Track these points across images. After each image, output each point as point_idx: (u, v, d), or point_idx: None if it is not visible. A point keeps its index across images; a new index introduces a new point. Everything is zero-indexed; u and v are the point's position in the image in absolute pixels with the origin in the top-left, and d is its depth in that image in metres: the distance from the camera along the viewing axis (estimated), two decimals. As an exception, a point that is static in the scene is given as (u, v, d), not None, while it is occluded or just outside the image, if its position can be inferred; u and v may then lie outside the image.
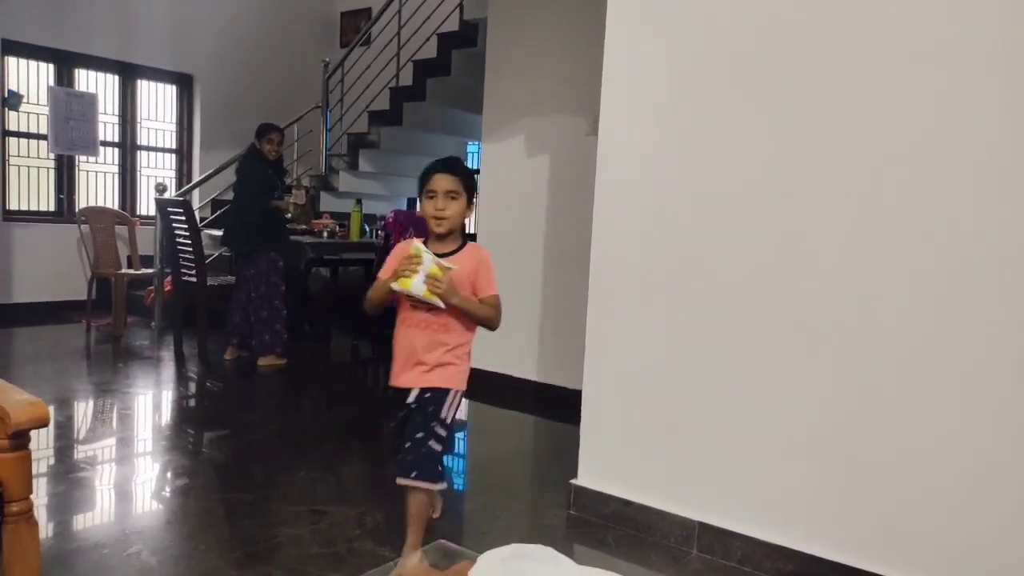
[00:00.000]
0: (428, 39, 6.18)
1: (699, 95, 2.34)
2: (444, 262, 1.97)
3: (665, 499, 2.43)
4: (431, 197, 2.02)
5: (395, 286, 1.97)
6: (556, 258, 4.02)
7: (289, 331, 4.77)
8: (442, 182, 2.02)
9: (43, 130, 6.07)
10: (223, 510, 2.58)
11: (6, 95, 5.84)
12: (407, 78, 6.42)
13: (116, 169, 6.67)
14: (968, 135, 1.92)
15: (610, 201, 2.55)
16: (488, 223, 4.34)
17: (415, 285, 1.94)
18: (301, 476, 2.89)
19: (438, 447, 2.03)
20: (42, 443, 3.07)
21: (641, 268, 2.48)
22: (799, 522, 2.18)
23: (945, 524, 1.96)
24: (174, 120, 7.03)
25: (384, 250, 4.80)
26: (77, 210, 6.13)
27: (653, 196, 2.45)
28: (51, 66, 6.12)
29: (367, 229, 5.67)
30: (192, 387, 4.46)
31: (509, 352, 4.21)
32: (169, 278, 5.48)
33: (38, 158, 6.15)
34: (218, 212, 5.90)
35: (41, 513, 2.34)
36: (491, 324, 2.08)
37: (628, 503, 2.49)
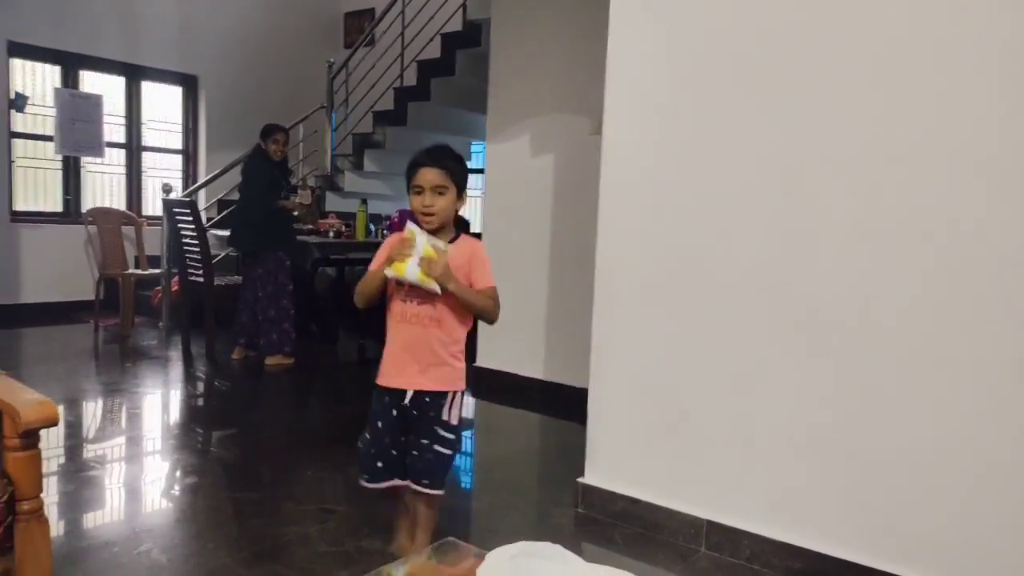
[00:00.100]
0: (432, 39, 6.18)
1: (702, 95, 2.34)
2: (439, 242, 1.90)
3: (673, 497, 2.43)
4: (418, 192, 1.93)
5: (389, 272, 1.89)
6: (561, 257, 4.02)
7: (296, 330, 4.78)
8: (428, 176, 1.92)
9: (49, 131, 6.09)
10: (231, 509, 2.59)
11: (12, 97, 5.86)
12: (411, 78, 6.42)
13: (122, 170, 6.69)
14: (968, 135, 1.91)
15: (614, 200, 2.55)
16: (493, 222, 4.35)
17: (409, 269, 1.86)
18: (309, 475, 2.90)
19: (446, 451, 1.99)
20: (52, 442, 3.09)
21: (646, 266, 2.48)
22: (807, 520, 2.18)
23: (950, 521, 1.96)
24: (179, 121, 7.05)
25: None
26: (84, 211, 6.15)
27: (657, 195, 2.45)
28: (57, 68, 6.15)
29: (372, 229, 5.68)
30: (200, 386, 4.47)
31: (516, 351, 4.21)
32: (176, 278, 5.49)
33: (44, 159, 6.18)
34: (224, 212, 5.91)
35: (52, 511, 2.36)
36: (490, 316, 1.98)
37: (636, 501, 2.49)
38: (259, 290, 4.67)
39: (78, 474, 2.82)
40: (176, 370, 4.71)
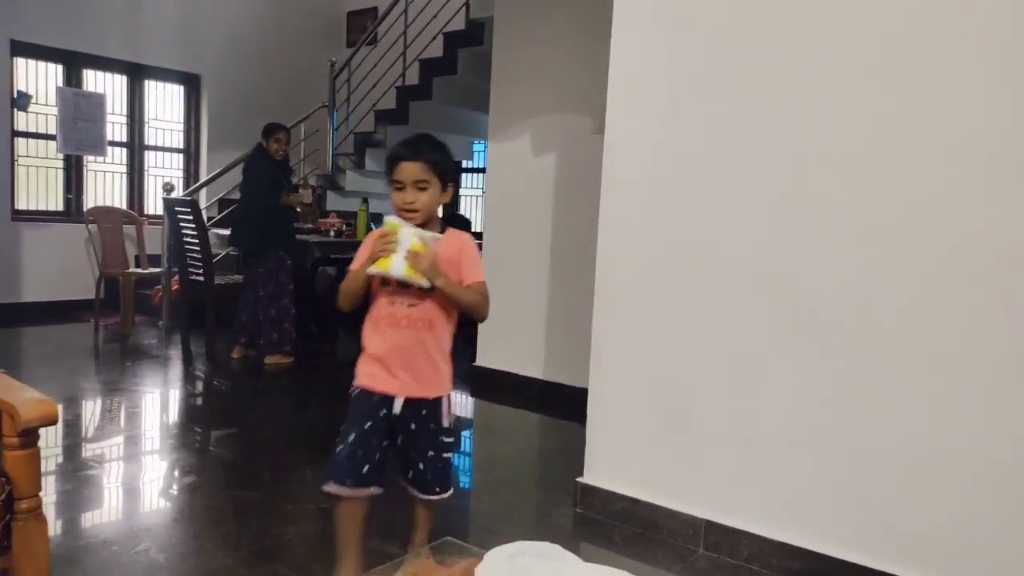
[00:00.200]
0: (434, 38, 6.18)
1: (704, 94, 2.34)
2: (425, 233, 1.77)
3: (672, 497, 2.42)
4: (398, 188, 1.82)
5: (372, 270, 1.78)
6: (562, 256, 4.02)
7: (296, 330, 4.78)
8: (409, 171, 1.80)
9: (52, 130, 6.10)
10: (230, 508, 2.59)
11: (15, 96, 5.87)
12: (413, 77, 6.42)
13: (124, 169, 6.70)
14: (968, 135, 1.91)
15: (616, 200, 2.54)
16: (495, 221, 4.35)
17: (395, 265, 1.74)
18: (308, 474, 2.89)
19: (448, 454, 1.96)
20: (51, 441, 3.09)
21: (647, 266, 2.47)
22: (806, 520, 2.17)
23: (950, 521, 1.95)
24: (181, 120, 7.05)
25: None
26: (85, 210, 6.16)
27: (658, 195, 2.45)
28: (59, 67, 6.15)
29: (373, 228, 5.68)
30: (200, 386, 4.47)
31: (515, 350, 4.21)
32: (177, 277, 5.50)
33: (47, 158, 6.19)
34: (225, 211, 5.92)
35: (50, 510, 2.36)
36: (479, 312, 1.87)
37: (635, 501, 2.49)
38: (260, 289, 4.67)
39: (77, 473, 2.82)
40: (176, 369, 4.71)
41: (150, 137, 6.84)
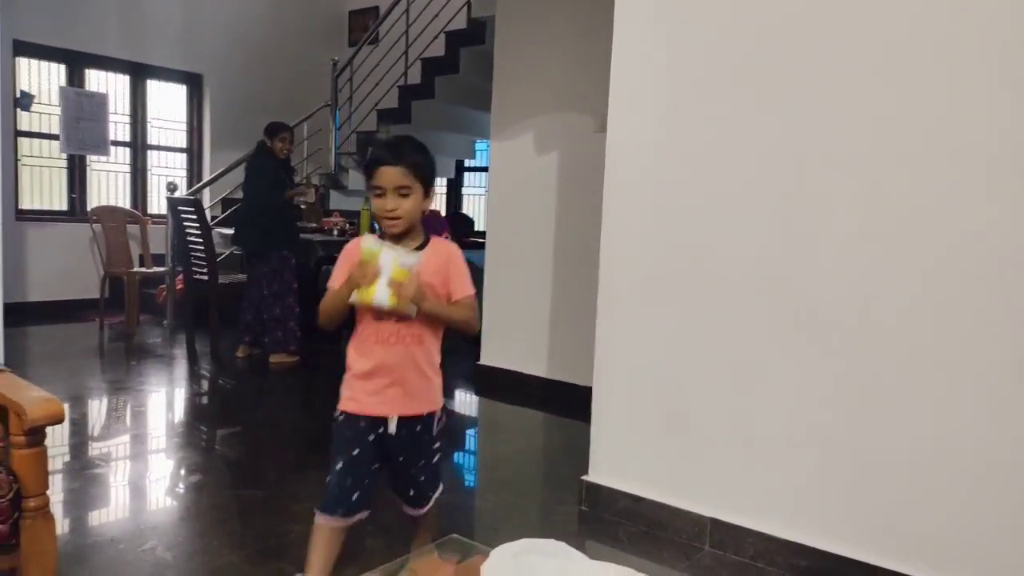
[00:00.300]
0: (436, 37, 6.18)
1: (705, 94, 2.34)
2: (407, 256, 1.66)
3: (677, 495, 2.43)
4: (379, 194, 1.71)
5: (354, 300, 1.67)
6: (565, 255, 4.02)
7: (301, 329, 4.79)
8: (389, 176, 1.69)
9: (55, 130, 6.11)
10: (236, 506, 2.59)
11: (18, 96, 5.88)
12: (415, 76, 6.42)
13: (127, 168, 6.71)
14: (969, 135, 1.91)
15: (619, 199, 2.55)
16: (498, 220, 4.35)
17: (378, 297, 1.62)
18: (313, 473, 2.90)
19: (439, 456, 1.90)
20: (57, 440, 3.10)
21: (649, 265, 2.48)
22: (810, 518, 2.18)
23: (952, 520, 1.95)
24: (184, 119, 7.06)
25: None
26: (89, 209, 6.17)
27: (660, 194, 2.45)
28: (62, 66, 6.16)
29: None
30: (204, 385, 4.48)
31: (519, 349, 4.22)
32: (181, 276, 5.51)
33: (50, 158, 6.20)
34: (229, 211, 5.93)
35: (57, 509, 2.37)
36: (469, 328, 1.79)
37: (639, 499, 2.49)
38: (264, 288, 4.68)
39: (83, 471, 2.83)
40: (180, 368, 4.72)
41: (153, 137, 6.85)
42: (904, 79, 2.00)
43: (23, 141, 6.00)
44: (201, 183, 6.42)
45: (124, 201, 6.64)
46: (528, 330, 4.16)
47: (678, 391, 2.42)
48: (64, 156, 6.24)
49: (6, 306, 3.16)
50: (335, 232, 5.46)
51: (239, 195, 5.23)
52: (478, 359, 4.43)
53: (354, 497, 1.76)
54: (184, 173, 7.07)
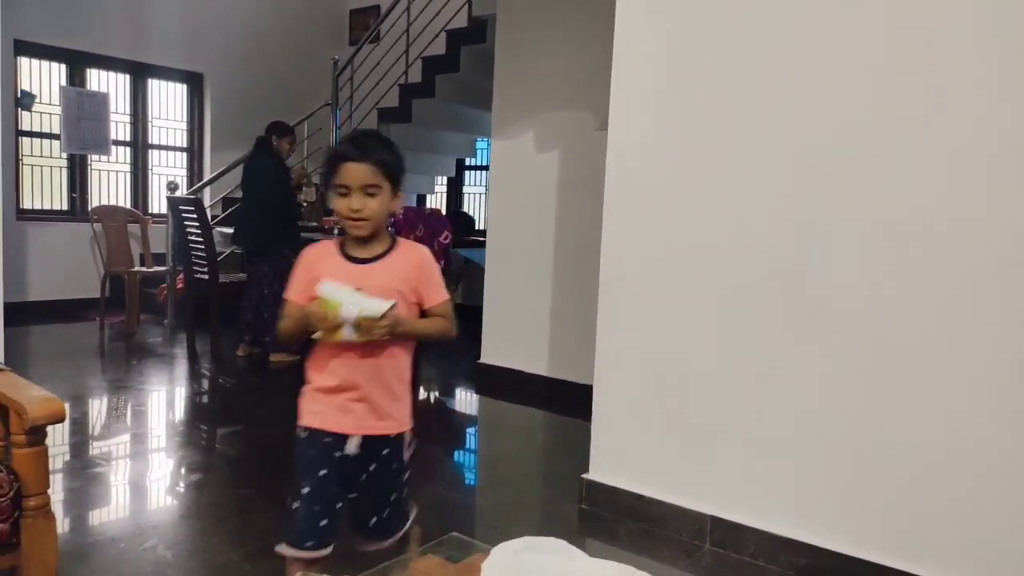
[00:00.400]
0: (437, 36, 6.18)
1: (707, 89, 2.34)
2: (373, 303, 1.47)
3: (677, 493, 2.42)
4: (343, 194, 1.56)
5: (319, 337, 1.55)
6: (566, 252, 4.02)
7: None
8: (355, 174, 1.54)
9: (56, 130, 6.11)
10: (236, 505, 2.59)
11: (19, 95, 5.88)
12: (416, 75, 6.42)
13: (128, 168, 6.71)
14: (969, 135, 1.90)
15: (620, 196, 2.54)
16: (499, 219, 4.35)
17: (345, 334, 1.49)
18: (314, 471, 2.90)
19: (406, 490, 1.74)
20: (58, 439, 3.10)
21: (650, 263, 2.47)
22: (811, 516, 2.17)
23: (954, 518, 1.95)
24: (185, 119, 7.06)
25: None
26: (90, 209, 6.17)
27: (663, 191, 2.44)
28: (63, 66, 6.16)
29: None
30: (205, 384, 4.49)
31: (520, 347, 4.22)
32: (181, 276, 5.51)
33: (51, 157, 6.20)
34: (230, 210, 5.92)
35: (58, 508, 2.37)
36: (447, 337, 1.66)
37: (640, 497, 2.49)
38: (265, 287, 4.68)
39: (84, 470, 2.83)
40: (181, 367, 4.73)
41: (154, 136, 6.85)
42: (905, 77, 2.00)
43: (24, 141, 6.00)
44: (202, 182, 6.42)
45: (125, 200, 6.64)
46: (529, 328, 4.16)
47: (679, 389, 2.42)
48: (65, 156, 6.24)
49: (7, 305, 3.16)
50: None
51: (239, 194, 5.23)
52: (479, 357, 4.43)
53: (322, 523, 1.64)
54: (185, 172, 7.07)
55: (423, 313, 1.65)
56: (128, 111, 6.65)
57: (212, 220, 5.48)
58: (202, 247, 4.89)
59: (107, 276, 5.79)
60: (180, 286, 5.63)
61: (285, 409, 4.29)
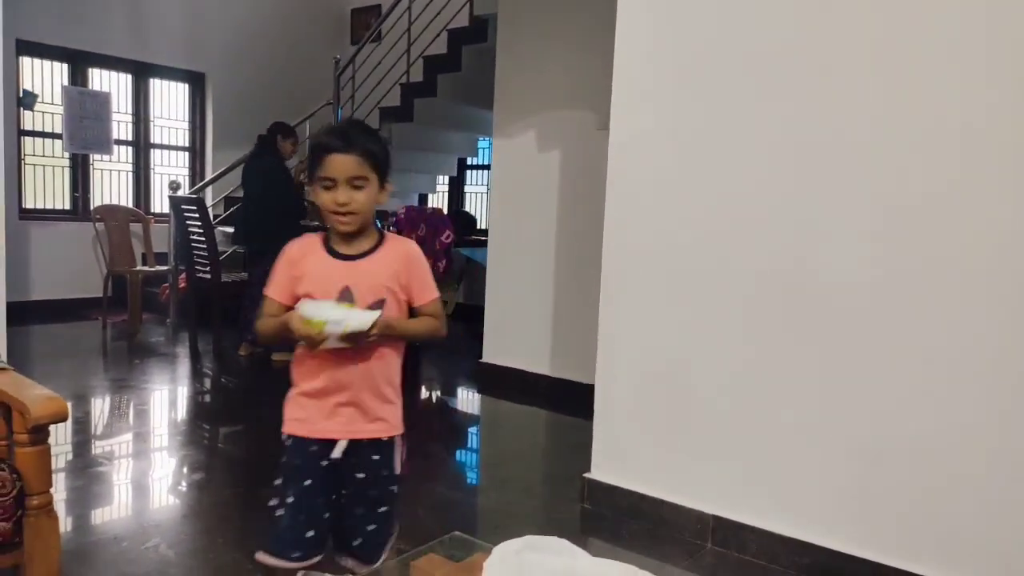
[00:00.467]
0: (438, 35, 6.18)
1: (711, 87, 2.33)
2: (361, 316, 1.41)
3: (679, 493, 2.42)
4: (328, 187, 1.47)
5: (304, 345, 1.49)
6: (568, 252, 4.01)
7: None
8: (341, 166, 1.45)
9: (58, 129, 6.12)
10: (238, 504, 2.60)
11: (21, 95, 5.89)
12: (417, 74, 6.42)
13: (130, 167, 6.72)
14: (970, 135, 1.90)
15: (621, 195, 2.54)
16: (501, 218, 4.34)
17: (330, 343, 1.43)
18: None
19: (395, 503, 1.64)
20: (61, 438, 3.11)
21: (652, 263, 2.47)
22: (814, 515, 2.17)
23: (957, 517, 1.95)
24: (187, 118, 7.07)
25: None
26: (92, 208, 6.18)
27: (665, 190, 2.44)
28: (65, 66, 6.16)
29: (379, 225, 5.69)
30: (207, 383, 4.49)
31: (522, 347, 4.21)
32: (183, 275, 5.51)
33: (53, 157, 6.21)
34: (231, 209, 5.93)
35: (60, 507, 2.37)
36: (437, 337, 1.60)
37: (642, 497, 2.49)
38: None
39: (87, 470, 2.83)
40: (184, 366, 4.73)
41: (156, 135, 6.86)
42: (906, 74, 1.99)
43: (26, 140, 6.01)
44: (204, 182, 6.43)
45: (127, 200, 6.65)
46: (530, 328, 4.16)
47: (681, 388, 2.42)
48: (67, 155, 6.25)
49: (9, 305, 3.17)
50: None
51: (241, 193, 5.23)
52: (480, 357, 4.43)
53: (309, 534, 1.55)
54: (187, 172, 7.08)
55: (412, 311, 1.58)
56: (130, 110, 6.66)
57: (214, 219, 5.49)
58: (204, 246, 4.90)
59: (109, 275, 5.80)
60: (182, 285, 5.63)
61: (287, 408, 4.28)
